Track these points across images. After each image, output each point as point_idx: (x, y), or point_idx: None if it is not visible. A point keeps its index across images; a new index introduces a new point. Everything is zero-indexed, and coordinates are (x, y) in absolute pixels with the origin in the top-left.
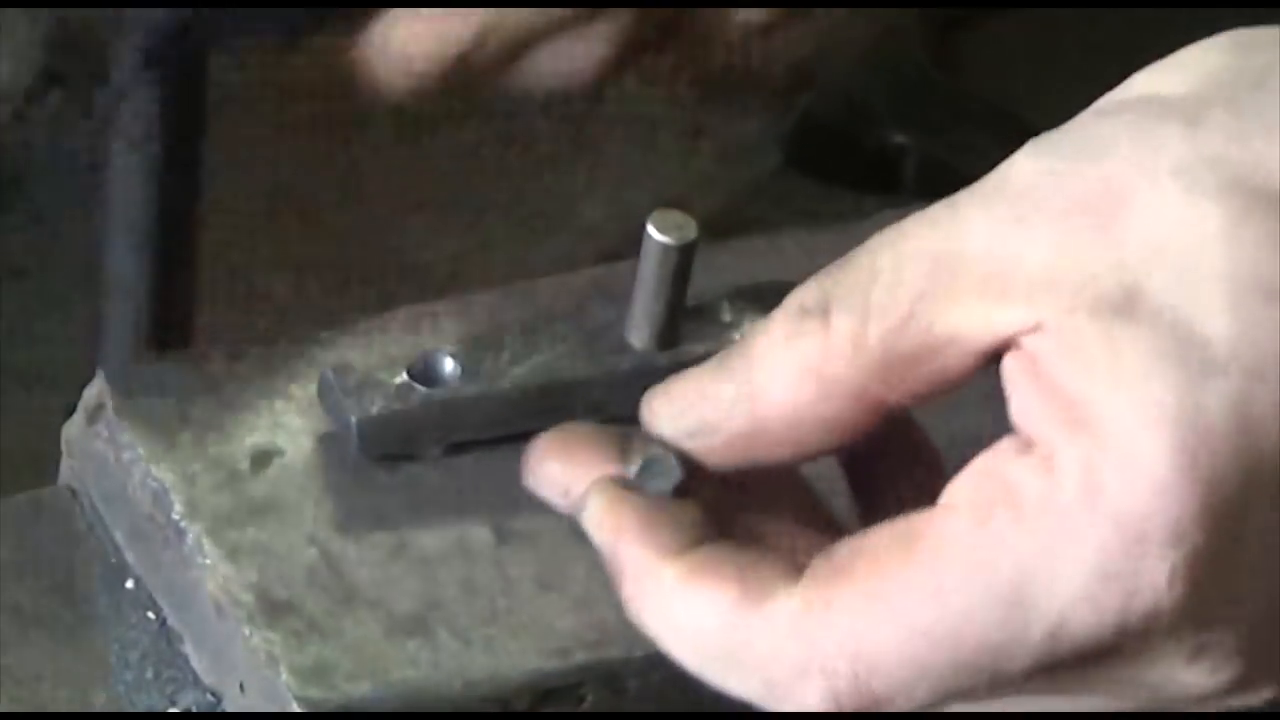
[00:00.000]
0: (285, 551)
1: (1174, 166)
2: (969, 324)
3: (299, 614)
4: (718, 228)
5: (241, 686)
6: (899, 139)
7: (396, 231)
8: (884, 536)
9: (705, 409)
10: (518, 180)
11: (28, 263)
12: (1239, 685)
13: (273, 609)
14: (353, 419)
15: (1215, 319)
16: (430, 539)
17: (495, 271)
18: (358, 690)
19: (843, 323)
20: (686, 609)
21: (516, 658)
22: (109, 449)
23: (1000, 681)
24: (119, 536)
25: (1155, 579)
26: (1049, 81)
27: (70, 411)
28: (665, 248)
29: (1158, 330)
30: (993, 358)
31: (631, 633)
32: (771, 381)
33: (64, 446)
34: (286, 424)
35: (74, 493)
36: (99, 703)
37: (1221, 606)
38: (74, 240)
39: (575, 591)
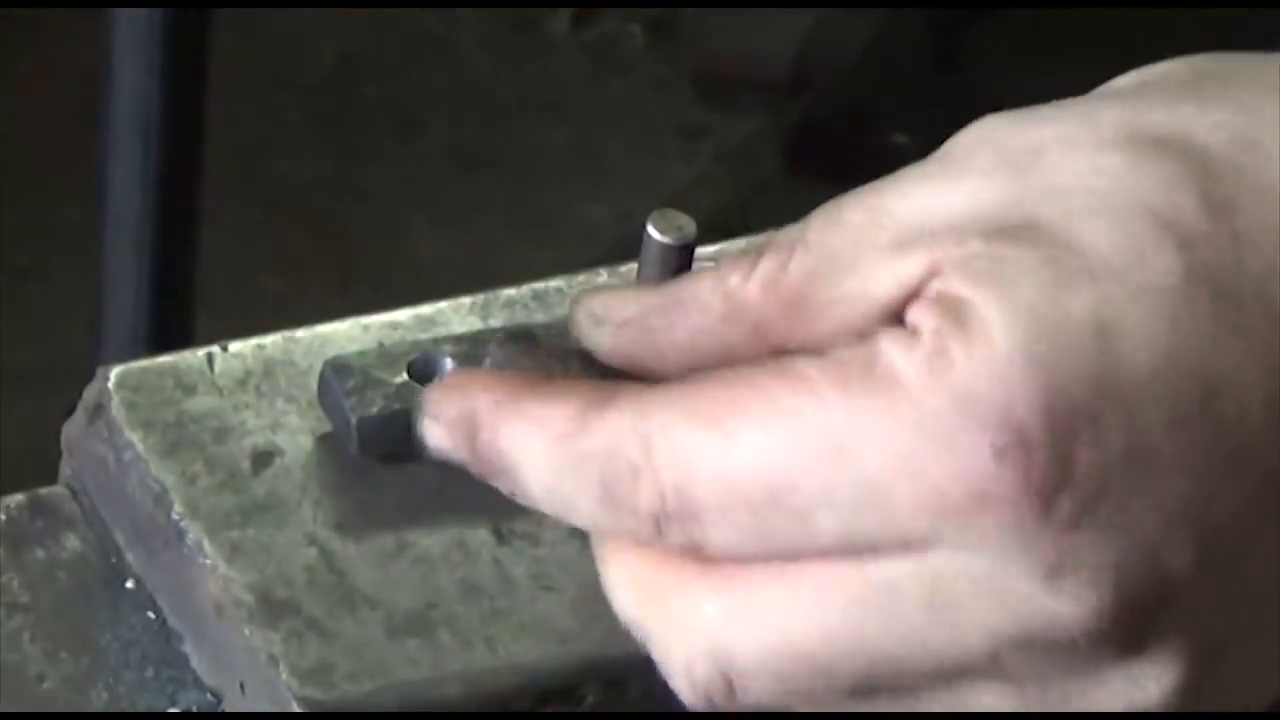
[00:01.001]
0: (285, 551)
1: (1101, 129)
2: (879, 278)
3: (299, 614)
4: (718, 228)
5: (241, 686)
6: (899, 139)
7: (396, 231)
8: (727, 371)
9: (621, 302)
10: (518, 180)
11: (28, 263)
12: (1121, 634)
13: (273, 609)
14: (353, 419)
15: (1096, 233)
16: (430, 539)
17: (495, 271)
18: (358, 690)
19: (769, 258)
20: (534, 418)
21: (516, 658)
22: (109, 449)
23: (813, 532)
24: (119, 536)
25: (979, 458)
26: (1049, 81)
27: (70, 411)
28: (665, 248)
29: (1040, 245)
30: (897, 317)
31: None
32: (691, 293)
33: (64, 446)
34: (286, 424)
35: (74, 493)
36: (99, 703)
37: (1081, 519)
38: (74, 240)
39: (575, 591)
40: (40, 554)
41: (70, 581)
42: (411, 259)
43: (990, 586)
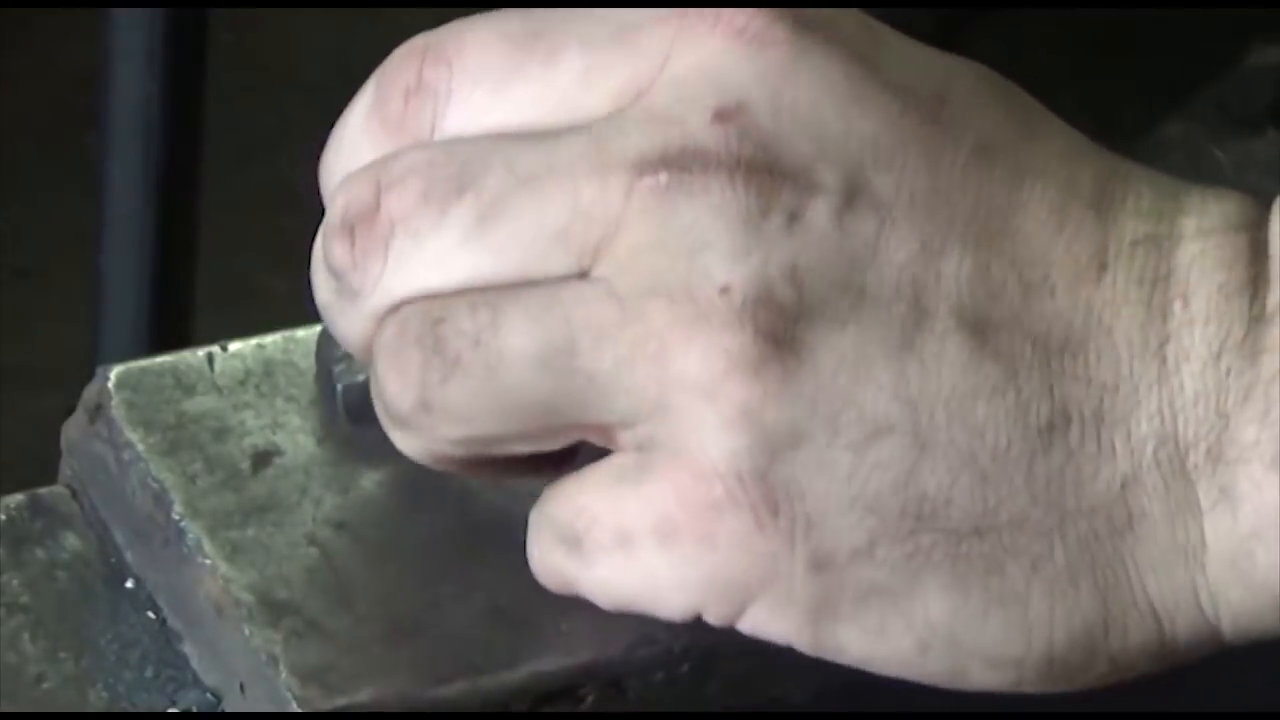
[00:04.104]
0: (285, 551)
1: None
2: None
3: (299, 614)
4: None
5: (241, 687)
6: None
7: None
8: None
9: None
10: None
11: (28, 263)
12: (752, 198)
13: (273, 609)
14: (338, 386)
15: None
16: (430, 538)
17: None
18: (358, 690)
19: None
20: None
21: (516, 658)
22: (109, 449)
23: (553, 77)
24: (119, 536)
25: None
26: (1049, 81)
27: (70, 411)
28: None
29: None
30: None
31: (632, 633)
32: None
33: (64, 446)
34: (286, 424)
35: (74, 493)
36: (99, 703)
37: (786, 70)
38: (74, 240)
39: None
40: (40, 554)
41: (70, 581)
42: None
43: (664, 115)
